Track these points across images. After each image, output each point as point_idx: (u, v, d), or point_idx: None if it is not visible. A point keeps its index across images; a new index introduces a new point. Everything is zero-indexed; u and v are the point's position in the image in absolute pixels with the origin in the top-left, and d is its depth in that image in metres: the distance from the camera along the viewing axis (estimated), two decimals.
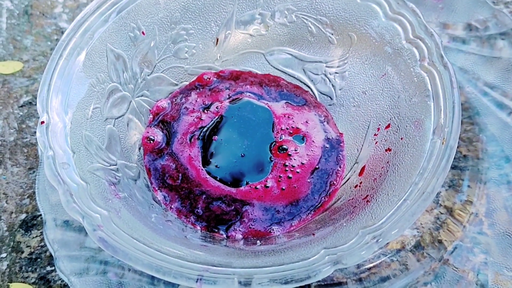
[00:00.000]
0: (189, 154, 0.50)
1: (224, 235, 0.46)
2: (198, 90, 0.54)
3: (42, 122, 0.41)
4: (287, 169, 0.49)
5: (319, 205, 0.48)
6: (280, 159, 0.50)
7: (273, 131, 0.51)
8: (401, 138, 0.44)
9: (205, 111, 0.53)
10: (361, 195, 0.44)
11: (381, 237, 0.36)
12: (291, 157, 0.50)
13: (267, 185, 0.48)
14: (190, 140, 0.51)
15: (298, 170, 0.49)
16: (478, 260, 0.48)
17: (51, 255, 0.48)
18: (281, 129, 0.51)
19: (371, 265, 0.48)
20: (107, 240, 0.37)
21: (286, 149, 0.50)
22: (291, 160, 0.50)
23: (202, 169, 0.49)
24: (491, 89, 0.56)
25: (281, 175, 0.49)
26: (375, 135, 0.47)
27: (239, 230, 0.46)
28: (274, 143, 0.50)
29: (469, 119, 0.55)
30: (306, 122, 0.52)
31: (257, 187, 0.48)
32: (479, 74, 0.57)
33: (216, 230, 0.47)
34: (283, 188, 0.48)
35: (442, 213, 0.51)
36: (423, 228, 0.50)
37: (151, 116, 0.52)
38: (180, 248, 0.38)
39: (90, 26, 0.45)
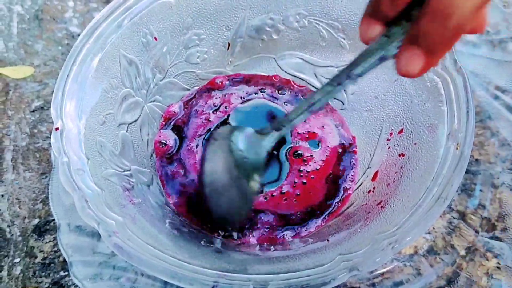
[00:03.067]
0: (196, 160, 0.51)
1: (238, 241, 0.46)
2: (209, 94, 0.54)
3: (57, 129, 0.41)
4: (301, 174, 0.49)
5: (332, 210, 0.48)
6: (295, 165, 0.50)
7: (290, 135, 0.51)
8: (415, 143, 0.44)
9: (214, 112, 0.53)
10: (375, 200, 0.44)
11: (396, 243, 0.36)
12: (306, 163, 0.50)
13: (283, 191, 0.48)
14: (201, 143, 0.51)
15: (312, 176, 0.49)
16: (491, 264, 0.48)
17: (64, 260, 0.48)
18: (298, 133, 0.51)
19: (384, 270, 0.48)
20: (122, 246, 0.37)
21: (302, 155, 0.50)
22: (306, 166, 0.50)
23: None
24: (502, 93, 0.56)
25: (296, 181, 0.49)
26: (388, 140, 0.47)
27: (253, 236, 0.46)
28: (290, 148, 0.51)
29: (481, 123, 0.55)
30: (322, 126, 0.52)
31: (273, 194, 0.48)
32: (490, 78, 0.57)
33: (228, 235, 0.47)
34: (298, 193, 0.48)
35: (454, 218, 0.51)
36: (435, 232, 0.50)
37: (163, 120, 0.52)
38: (195, 254, 0.38)
39: (103, 32, 0.45)
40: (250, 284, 0.35)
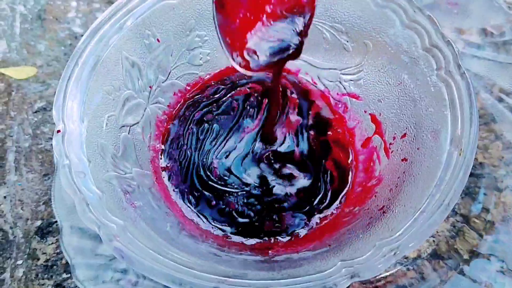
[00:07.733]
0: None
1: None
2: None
3: (58, 131, 0.41)
4: None
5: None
6: None
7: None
8: (418, 148, 0.43)
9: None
10: (377, 205, 0.43)
11: (398, 250, 0.36)
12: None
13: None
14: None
15: None
16: (495, 268, 0.48)
17: (67, 262, 0.48)
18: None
19: (388, 273, 0.48)
20: (123, 250, 0.37)
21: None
22: None
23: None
24: (506, 96, 0.56)
25: None
26: (390, 144, 0.47)
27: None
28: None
29: (485, 126, 0.54)
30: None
31: None
32: (494, 80, 0.56)
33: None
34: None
35: (458, 221, 0.50)
36: (439, 236, 0.50)
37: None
38: (196, 258, 0.38)
39: (105, 34, 0.45)
40: None
